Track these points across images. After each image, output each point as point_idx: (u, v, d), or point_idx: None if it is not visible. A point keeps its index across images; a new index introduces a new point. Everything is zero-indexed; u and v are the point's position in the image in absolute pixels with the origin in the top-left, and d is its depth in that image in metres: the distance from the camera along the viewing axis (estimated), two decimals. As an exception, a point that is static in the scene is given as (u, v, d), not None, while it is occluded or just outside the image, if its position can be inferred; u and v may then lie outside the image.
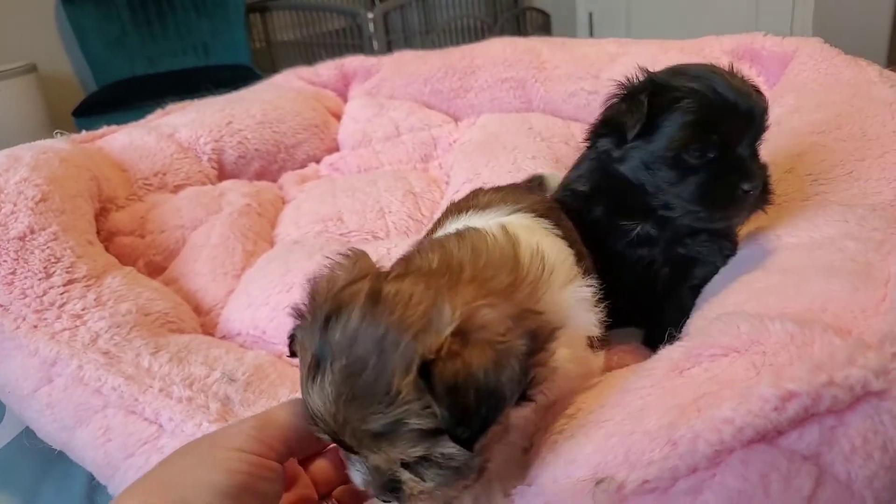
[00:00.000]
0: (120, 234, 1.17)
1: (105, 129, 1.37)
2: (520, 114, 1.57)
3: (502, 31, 3.27)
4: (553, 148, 1.37)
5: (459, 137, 1.57)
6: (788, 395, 0.47)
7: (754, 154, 0.74)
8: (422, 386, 0.47)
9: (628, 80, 0.78)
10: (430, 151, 1.57)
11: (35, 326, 0.86)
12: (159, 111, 1.53)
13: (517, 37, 1.73)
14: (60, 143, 1.19)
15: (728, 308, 0.59)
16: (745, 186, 0.70)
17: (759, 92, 0.77)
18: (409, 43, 3.18)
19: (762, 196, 0.72)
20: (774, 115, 1.08)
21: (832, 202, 0.74)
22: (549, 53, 1.58)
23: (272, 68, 3.27)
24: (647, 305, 0.83)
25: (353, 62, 1.79)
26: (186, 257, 1.19)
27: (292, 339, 0.56)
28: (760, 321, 0.53)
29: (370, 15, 3.03)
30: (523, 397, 0.51)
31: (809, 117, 0.97)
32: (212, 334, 1.03)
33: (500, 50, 1.64)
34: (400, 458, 0.50)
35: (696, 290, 0.80)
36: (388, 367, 0.47)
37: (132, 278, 1.02)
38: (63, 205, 1.02)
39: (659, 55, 1.41)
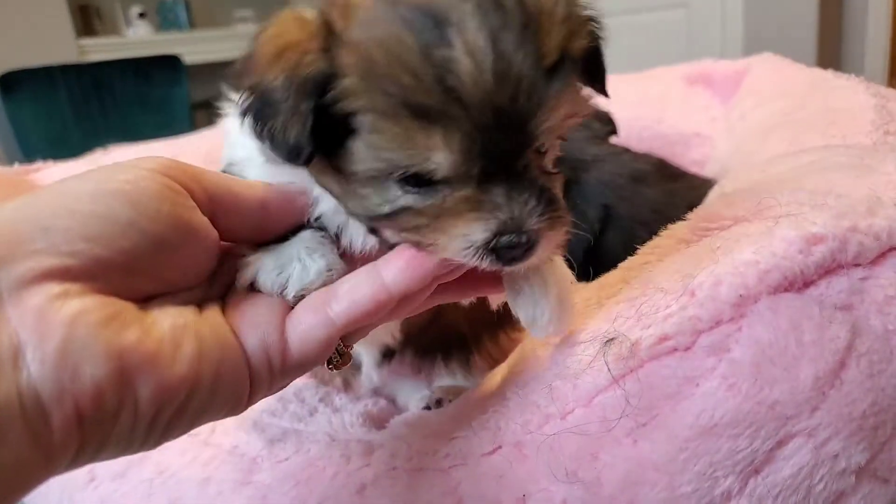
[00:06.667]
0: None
1: (40, 164, 1.22)
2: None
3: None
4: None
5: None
6: (814, 238, 0.42)
7: None
8: None
9: None
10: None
11: None
12: (99, 150, 1.37)
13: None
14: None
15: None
16: None
17: None
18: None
19: None
20: (736, 115, 1.09)
21: (813, 149, 0.72)
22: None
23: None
24: None
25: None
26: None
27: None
28: (768, 192, 0.49)
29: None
30: None
31: (772, 107, 0.98)
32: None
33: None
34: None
35: None
36: None
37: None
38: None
39: (618, 84, 1.42)
